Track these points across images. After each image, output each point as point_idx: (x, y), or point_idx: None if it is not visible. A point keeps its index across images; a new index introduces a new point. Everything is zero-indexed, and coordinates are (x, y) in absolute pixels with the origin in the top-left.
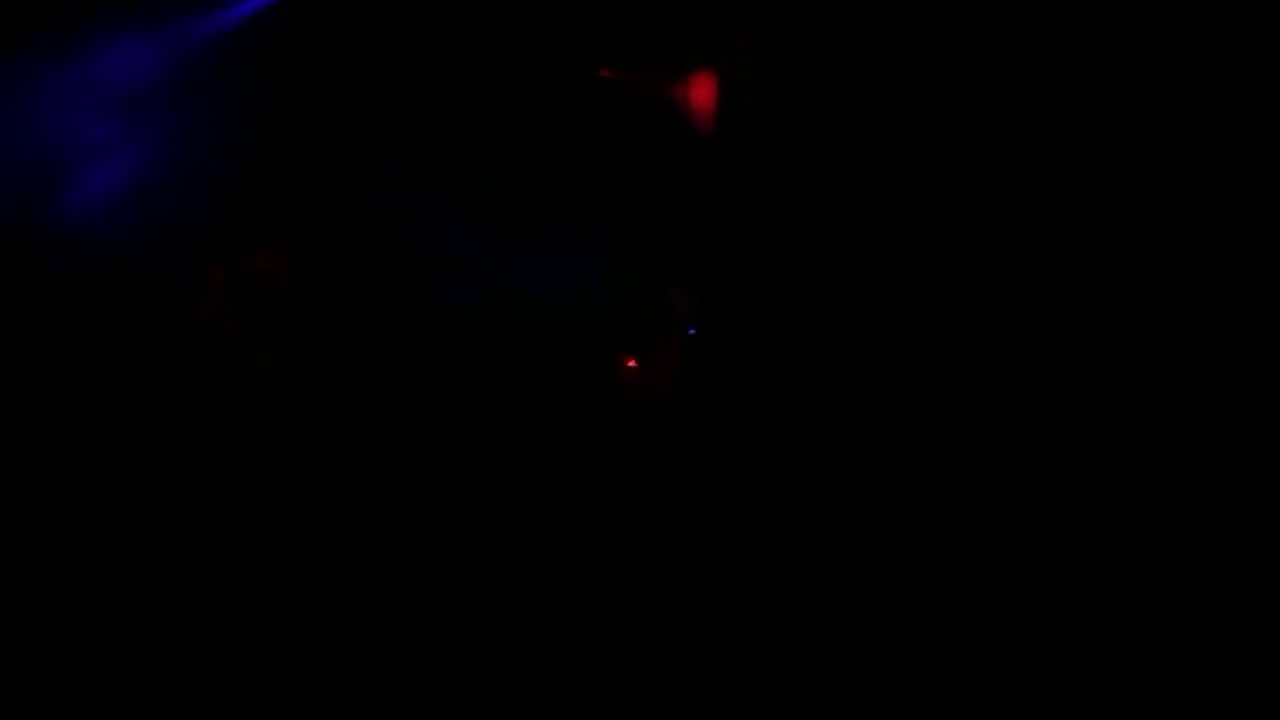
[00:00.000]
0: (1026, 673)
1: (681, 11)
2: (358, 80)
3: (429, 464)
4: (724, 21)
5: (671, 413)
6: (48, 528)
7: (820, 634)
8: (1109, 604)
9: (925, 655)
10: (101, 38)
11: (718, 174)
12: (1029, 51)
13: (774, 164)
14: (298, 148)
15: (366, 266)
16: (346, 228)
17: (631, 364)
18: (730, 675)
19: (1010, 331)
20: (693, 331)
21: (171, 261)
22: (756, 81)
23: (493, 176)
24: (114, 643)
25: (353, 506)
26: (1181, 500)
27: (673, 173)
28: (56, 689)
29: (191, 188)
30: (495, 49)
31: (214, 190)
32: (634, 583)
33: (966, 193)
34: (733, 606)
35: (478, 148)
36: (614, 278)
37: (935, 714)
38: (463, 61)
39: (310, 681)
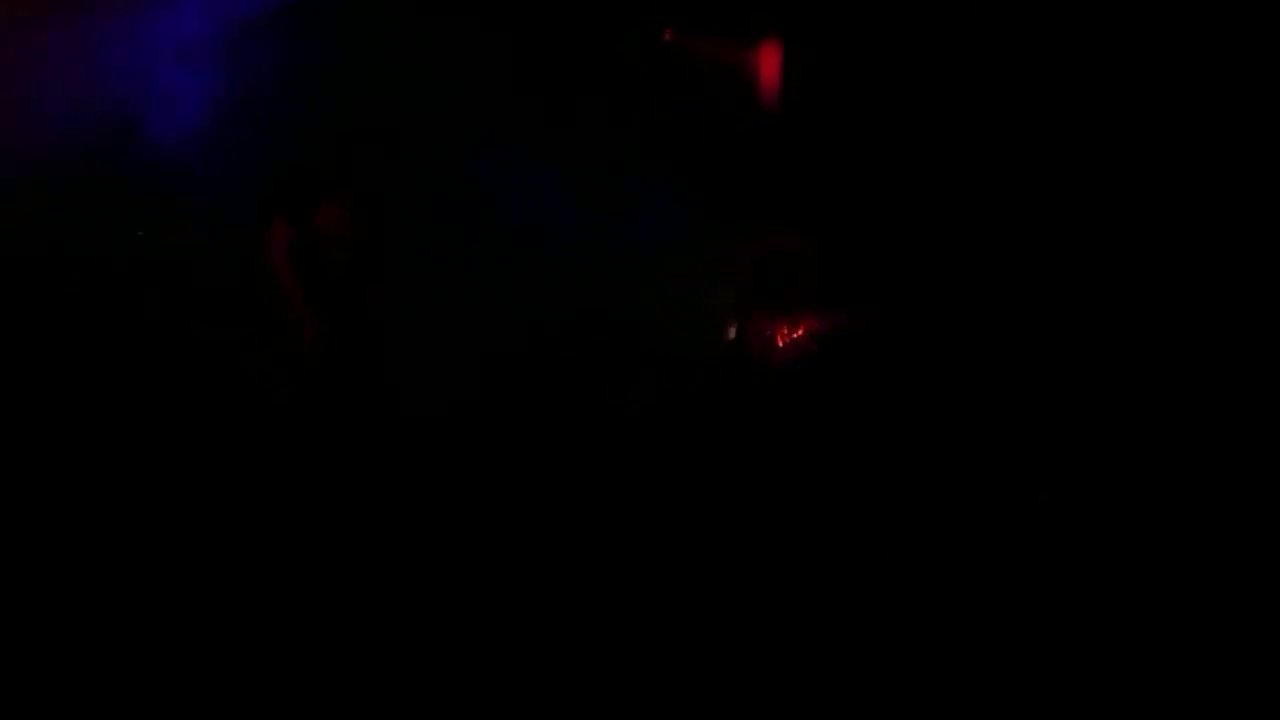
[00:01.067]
0: (1027, 672)
1: None
2: (432, 42)
3: (525, 424)
4: None
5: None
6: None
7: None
8: (1110, 604)
9: (930, 653)
10: None
11: (781, 145)
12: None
13: (835, 138)
14: (368, 110)
15: (438, 230)
16: (418, 190)
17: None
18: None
19: (1019, 328)
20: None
21: (238, 214)
22: (821, 53)
23: (566, 140)
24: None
25: (439, 473)
26: (1181, 500)
27: (737, 142)
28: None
29: (263, 143)
30: (566, 11)
31: (284, 148)
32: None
33: (984, 194)
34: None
35: (550, 111)
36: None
37: (937, 714)
38: (532, 23)
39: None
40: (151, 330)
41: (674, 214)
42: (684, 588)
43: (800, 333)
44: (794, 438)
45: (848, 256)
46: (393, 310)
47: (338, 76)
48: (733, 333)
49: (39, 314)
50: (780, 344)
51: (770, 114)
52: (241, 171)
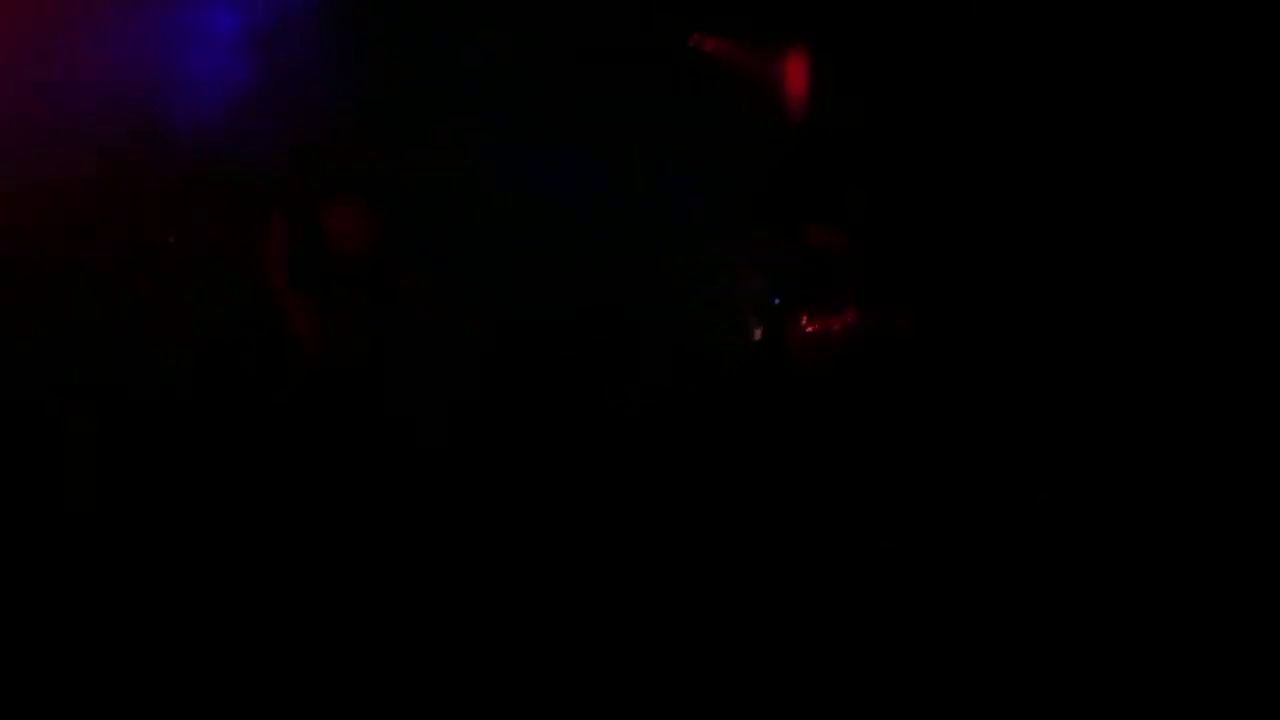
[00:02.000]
0: (1027, 673)
1: None
2: (455, 36)
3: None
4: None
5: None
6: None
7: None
8: (1110, 604)
9: (929, 654)
10: None
11: (820, 143)
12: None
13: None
14: (389, 105)
15: (458, 230)
16: (441, 189)
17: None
18: None
19: (1018, 328)
20: (776, 300)
21: (251, 210)
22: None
23: (590, 137)
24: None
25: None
26: (1181, 501)
27: (774, 139)
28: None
29: (283, 140)
30: (593, 12)
31: (299, 140)
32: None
33: (981, 201)
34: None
35: (574, 107)
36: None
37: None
38: (560, 24)
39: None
40: (158, 326)
41: (710, 212)
42: (712, 593)
43: (839, 332)
44: (829, 437)
45: (889, 255)
46: (420, 305)
47: (359, 72)
48: (771, 332)
49: (48, 308)
50: (819, 343)
51: (808, 112)
52: (258, 167)
